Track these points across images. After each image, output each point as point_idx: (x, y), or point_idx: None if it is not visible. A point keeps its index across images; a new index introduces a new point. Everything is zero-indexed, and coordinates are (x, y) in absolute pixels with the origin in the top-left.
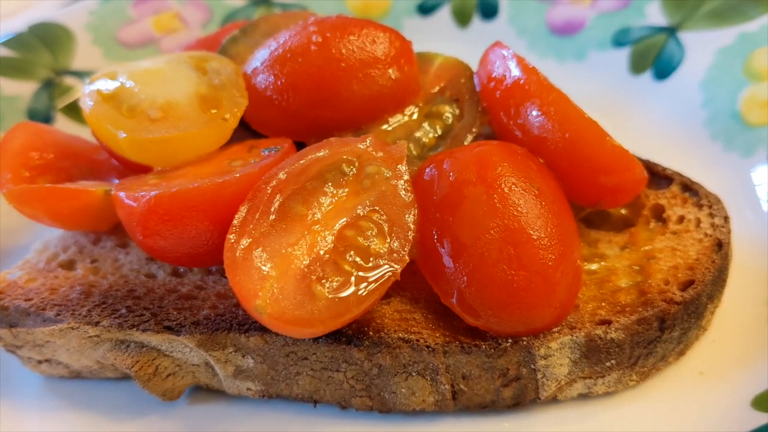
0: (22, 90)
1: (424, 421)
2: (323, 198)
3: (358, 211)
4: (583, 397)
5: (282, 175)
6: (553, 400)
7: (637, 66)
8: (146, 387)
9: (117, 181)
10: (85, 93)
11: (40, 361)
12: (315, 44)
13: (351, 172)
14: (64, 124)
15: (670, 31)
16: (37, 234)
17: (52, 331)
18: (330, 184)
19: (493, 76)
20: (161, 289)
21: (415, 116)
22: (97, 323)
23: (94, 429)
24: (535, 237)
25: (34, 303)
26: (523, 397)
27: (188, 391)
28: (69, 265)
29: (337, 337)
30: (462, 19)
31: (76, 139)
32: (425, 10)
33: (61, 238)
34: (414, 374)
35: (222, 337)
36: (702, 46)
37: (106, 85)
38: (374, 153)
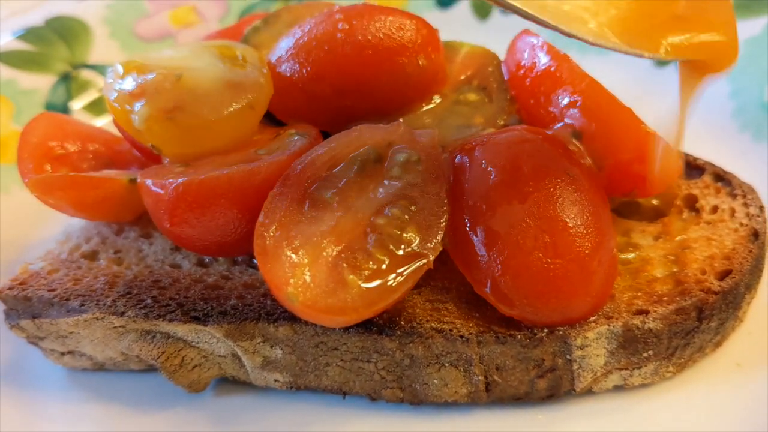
0: (40, 84)
1: (455, 413)
2: (353, 185)
3: (389, 198)
4: (619, 388)
5: (312, 163)
6: (589, 392)
7: None
8: (172, 378)
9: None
10: (107, 81)
11: (63, 353)
12: (341, 32)
13: (381, 160)
14: (81, 119)
15: None
16: (58, 225)
17: (76, 321)
18: (360, 171)
19: (522, 64)
20: (187, 280)
21: (442, 105)
22: (122, 313)
23: (118, 421)
24: (571, 225)
25: (58, 293)
26: (557, 388)
27: (214, 383)
28: (92, 256)
29: (368, 326)
30: (481, 11)
31: (96, 130)
32: (444, 2)
33: (83, 229)
34: (447, 365)
35: (250, 327)
36: None
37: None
38: (404, 140)
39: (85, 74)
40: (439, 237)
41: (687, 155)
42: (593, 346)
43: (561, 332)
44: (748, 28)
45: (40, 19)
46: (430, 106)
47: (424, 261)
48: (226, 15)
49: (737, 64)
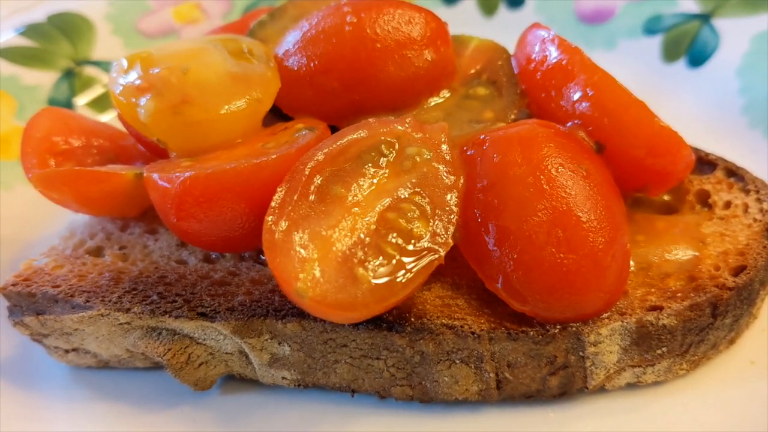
0: (43, 80)
1: (466, 411)
2: (363, 179)
3: (399, 193)
4: (632, 386)
5: (320, 156)
6: (601, 389)
7: (669, 54)
8: (178, 376)
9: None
10: (112, 76)
11: (67, 351)
12: (349, 24)
13: (391, 154)
14: (84, 114)
15: (704, 18)
16: (62, 221)
17: (81, 318)
18: (369, 165)
19: (532, 57)
20: (193, 276)
21: (452, 99)
22: (128, 310)
23: (123, 420)
24: (584, 219)
25: (63, 289)
26: (570, 386)
27: (221, 381)
28: (97, 252)
29: (377, 323)
30: (487, 8)
31: (101, 125)
32: None
33: (87, 225)
34: (457, 362)
35: (258, 323)
36: (737, 33)
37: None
38: (414, 134)
39: (89, 70)
40: (450, 232)
41: (699, 150)
42: (606, 343)
43: (574, 328)
44: (755, 24)
45: (43, 16)
46: (439, 100)
47: (435, 256)
48: (230, 11)
49: (747, 61)
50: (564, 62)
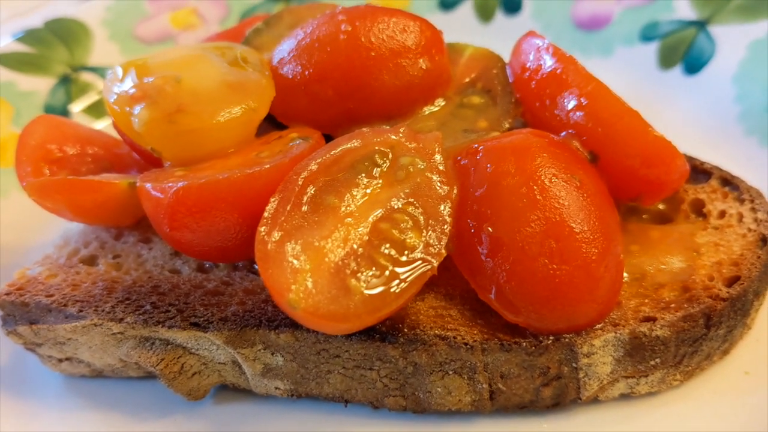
0: (39, 86)
1: (459, 422)
2: (356, 189)
3: (393, 203)
4: (625, 397)
5: (314, 166)
6: (594, 400)
7: (666, 61)
8: (171, 386)
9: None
10: (107, 84)
11: (60, 360)
12: (344, 33)
13: (384, 163)
14: (81, 121)
15: (700, 25)
16: (56, 229)
17: (74, 327)
18: (363, 175)
19: (527, 66)
20: (187, 285)
21: (446, 108)
22: (121, 320)
23: (116, 429)
24: (577, 230)
25: (56, 299)
26: (563, 397)
27: (214, 391)
28: (90, 261)
29: (370, 333)
30: (484, 14)
31: (96, 133)
32: (447, 5)
33: (81, 234)
34: (450, 373)
35: (251, 333)
36: (734, 40)
37: (129, 76)
38: (408, 144)
39: (85, 76)
40: (443, 242)
41: (693, 159)
42: (599, 354)
43: (567, 340)
44: (752, 31)
45: (40, 21)
46: (434, 109)
47: (428, 267)
48: (227, 17)
49: (743, 68)
50: (558, 71)
